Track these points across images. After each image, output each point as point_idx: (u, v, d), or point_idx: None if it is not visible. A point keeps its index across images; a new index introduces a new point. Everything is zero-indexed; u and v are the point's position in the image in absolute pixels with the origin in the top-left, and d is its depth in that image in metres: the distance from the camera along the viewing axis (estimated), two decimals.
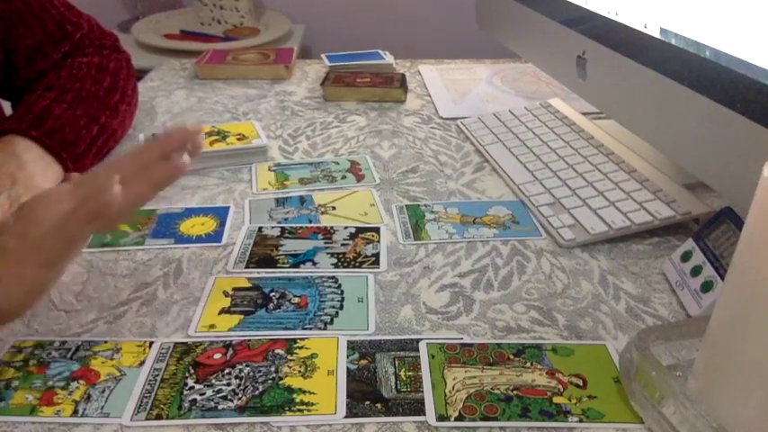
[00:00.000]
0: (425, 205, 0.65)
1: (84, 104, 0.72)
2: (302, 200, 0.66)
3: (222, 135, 0.75)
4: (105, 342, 0.47)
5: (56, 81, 0.73)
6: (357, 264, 0.55)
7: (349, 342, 0.46)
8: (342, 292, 0.52)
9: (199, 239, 0.59)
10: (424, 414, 0.40)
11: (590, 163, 0.67)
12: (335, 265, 0.55)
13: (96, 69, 0.77)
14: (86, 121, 0.71)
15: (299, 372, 0.44)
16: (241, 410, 0.41)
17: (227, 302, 0.51)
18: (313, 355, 0.45)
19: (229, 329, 0.48)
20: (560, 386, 0.43)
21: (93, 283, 0.53)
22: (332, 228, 0.61)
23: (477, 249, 0.58)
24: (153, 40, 1.69)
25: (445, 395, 0.42)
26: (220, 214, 0.63)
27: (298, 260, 0.56)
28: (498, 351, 0.46)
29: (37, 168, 0.63)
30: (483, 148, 0.75)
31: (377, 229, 0.60)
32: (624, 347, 0.42)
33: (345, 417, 0.40)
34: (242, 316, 0.49)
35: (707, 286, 0.48)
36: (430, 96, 0.94)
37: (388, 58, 1.04)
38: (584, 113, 0.80)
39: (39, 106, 0.69)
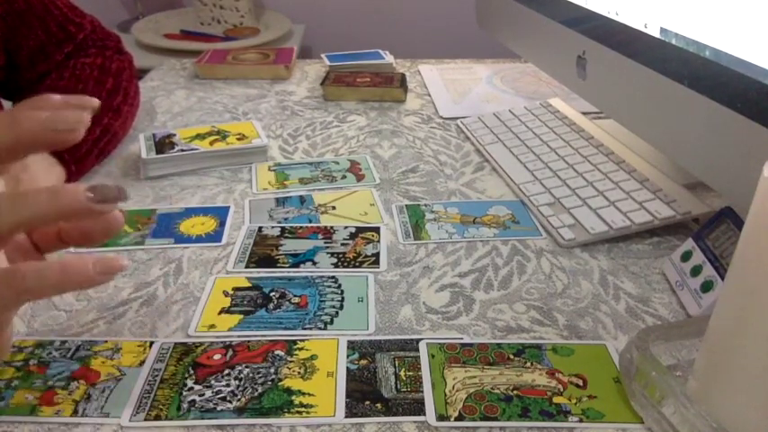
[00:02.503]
0: (425, 205, 0.65)
1: None
2: (302, 200, 0.66)
3: (222, 135, 0.75)
4: (105, 342, 0.47)
5: (59, 82, 0.73)
6: (357, 263, 0.55)
7: (349, 342, 0.46)
8: (342, 291, 0.52)
9: (199, 239, 0.59)
10: (424, 414, 0.40)
11: (590, 163, 0.67)
12: (335, 265, 0.55)
13: (99, 71, 0.77)
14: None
15: (299, 373, 0.44)
16: (240, 412, 0.41)
17: (227, 302, 0.51)
18: (313, 357, 0.45)
19: (229, 329, 0.48)
20: (560, 386, 0.43)
21: None
22: (332, 227, 0.61)
23: (477, 249, 0.58)
24: (153, 40, 1.69)
25: (445, 395, 0.42)
26: (220, 214, 0.63)
27: (298, 260, 0.56)
28: (498, 351, 0.46)
29: (40, 170, 0.63)
30: (483, 148, 0.75)
31: (377, 229, 0.60)
32: (624, 347, 0.42)
33: (345, 417, 0.40)
34: (242, 316, 0.49)
35: (707, 286, 0.48)
36: (430, 96, 0.94)
37: (388, 58, 1.04)
38: (584, 113, 0.79)
39: None
